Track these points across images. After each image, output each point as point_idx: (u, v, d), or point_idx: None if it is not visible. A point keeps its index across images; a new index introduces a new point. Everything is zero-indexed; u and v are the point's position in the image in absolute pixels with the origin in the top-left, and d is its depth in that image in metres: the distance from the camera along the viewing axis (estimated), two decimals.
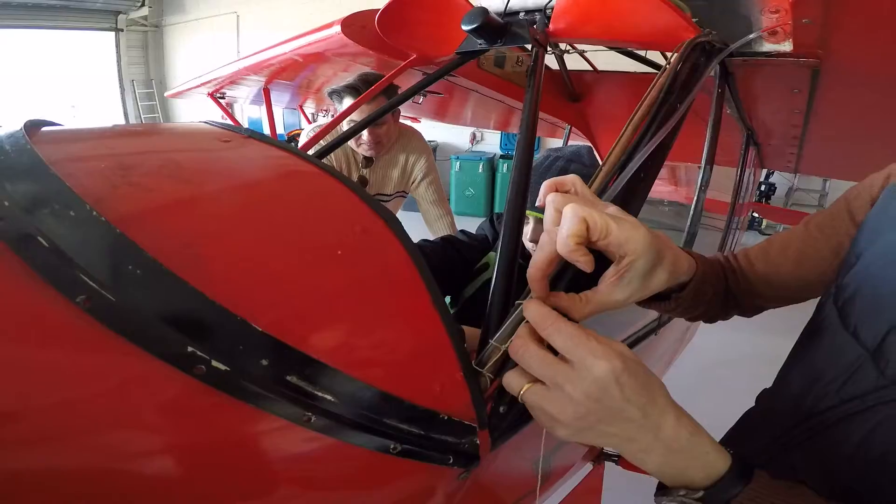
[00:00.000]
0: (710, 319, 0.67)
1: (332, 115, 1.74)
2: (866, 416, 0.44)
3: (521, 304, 0.45)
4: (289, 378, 0.34)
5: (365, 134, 1.59)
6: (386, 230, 0.44)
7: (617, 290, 0.41)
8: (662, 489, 0.39)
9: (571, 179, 0.43)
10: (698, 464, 0.37)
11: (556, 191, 0.43)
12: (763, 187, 5.21)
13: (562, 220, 0.37)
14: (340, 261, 0.40)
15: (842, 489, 0.46)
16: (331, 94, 1.59)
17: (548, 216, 0.40)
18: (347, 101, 1.54)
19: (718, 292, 0.64)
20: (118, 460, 0.31)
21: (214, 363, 0.32)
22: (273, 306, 0.35)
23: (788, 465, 0.52)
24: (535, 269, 0.39)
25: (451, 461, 0.42)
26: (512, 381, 0.39)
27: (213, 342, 0.33)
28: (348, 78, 1.55)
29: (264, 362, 0.33)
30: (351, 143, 1.66)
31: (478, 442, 0.43)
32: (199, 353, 0.32)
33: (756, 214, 4.90)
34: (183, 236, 0.37)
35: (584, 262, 0.37)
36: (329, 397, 0.35)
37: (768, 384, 0.61)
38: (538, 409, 0.37)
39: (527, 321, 0.40)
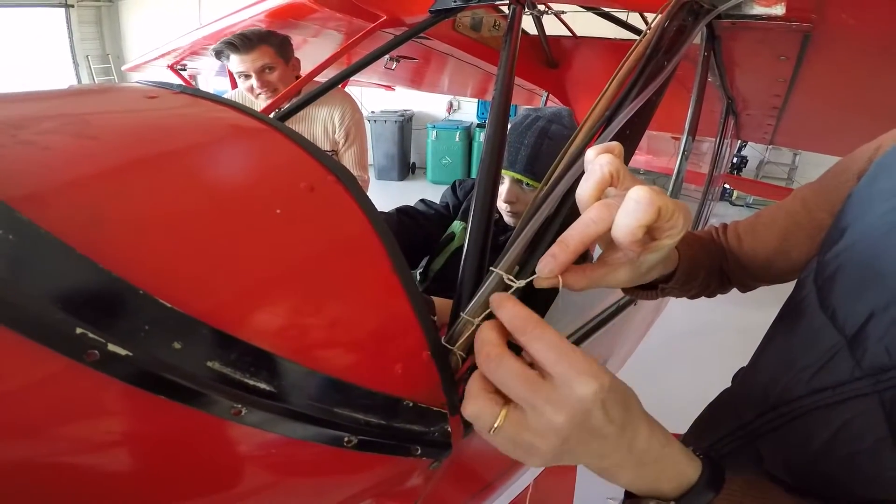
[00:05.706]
0: (710, 295, 0.64)
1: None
2: (836, 410, 0.40)
3: (494, 271, 0.39)
4: (210, 364, 0.27)
5: (254, 81, 1.50)
6: (338, 187, 0.37)
7: (623, 269, 0.36)
8: (630, 497, 0.35)
9: (619, 148, 0.36)
10: (669, 474, 0.34)
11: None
12: (735, 160, 5.27)
13: (628, 205, 0.30)
14: (279, 221, 0.33)
15: (804, 486, 0.43)
16: (216, 54, 1.52)
17: (599, 177, 0.33)
18: (234, 58, 1.48)
19: (713, 272, 0.60)
20: None
21: (112, 347, 0.25)
22: (188, 277, 0.29)
23: (755, 454, 0.49)
24: (579, 244, 0.32)
25: (420, 452, 0.37)
26: (483, 411, 0.30)
27: (109, 322, 0.26)
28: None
29: (177, 346, 0.27)
30: (249, 97, 1.59)
31: (449, 429, 0.38)
32: (90, 335, 0.25)
33: (727, 186, 4.98)
34: (78, 197, 0.29)
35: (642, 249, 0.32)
36: (264, 386, 0.29)
37: (737, 355, 0.58)
38: (513, 439, 0.30)
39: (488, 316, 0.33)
